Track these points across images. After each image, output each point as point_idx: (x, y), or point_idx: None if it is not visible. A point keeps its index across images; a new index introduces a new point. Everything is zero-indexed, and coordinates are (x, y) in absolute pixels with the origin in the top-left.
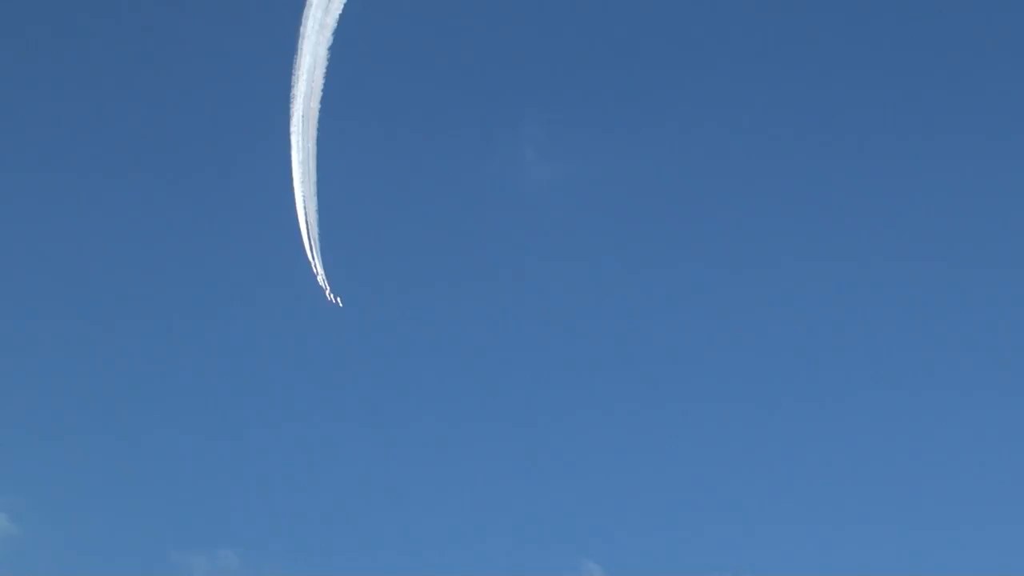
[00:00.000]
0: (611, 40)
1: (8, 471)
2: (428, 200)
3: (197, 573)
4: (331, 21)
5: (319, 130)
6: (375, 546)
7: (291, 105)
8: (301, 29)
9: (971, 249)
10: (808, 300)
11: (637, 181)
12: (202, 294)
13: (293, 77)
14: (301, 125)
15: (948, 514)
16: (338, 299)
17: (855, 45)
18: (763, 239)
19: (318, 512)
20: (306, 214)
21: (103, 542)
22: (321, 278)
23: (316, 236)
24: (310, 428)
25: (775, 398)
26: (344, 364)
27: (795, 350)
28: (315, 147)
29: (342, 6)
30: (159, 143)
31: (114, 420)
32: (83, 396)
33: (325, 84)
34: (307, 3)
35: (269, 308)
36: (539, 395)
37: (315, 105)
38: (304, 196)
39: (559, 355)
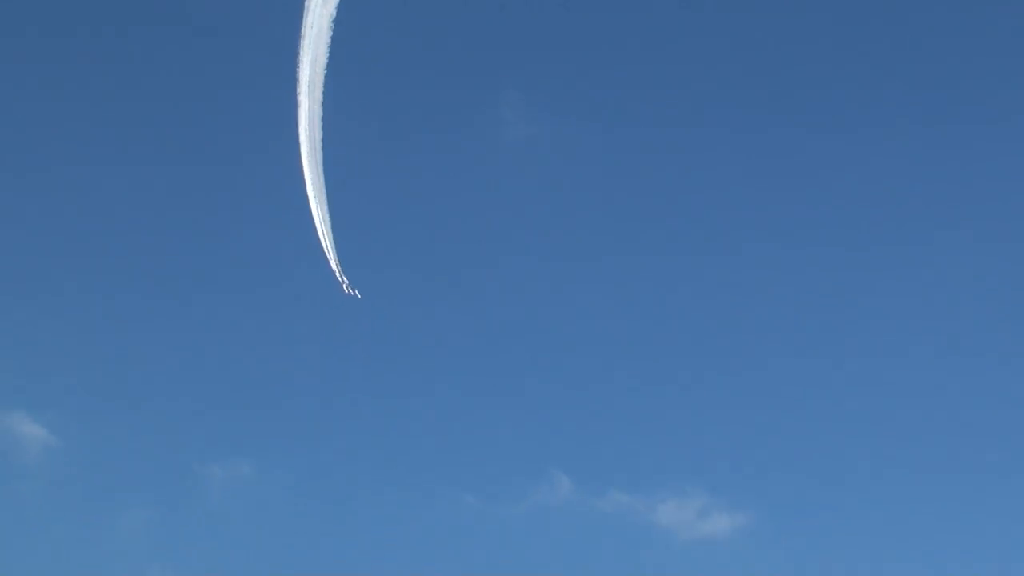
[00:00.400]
0: (588, 5)
1: (48, 389)
2: (410, 157)
3: (216, 482)
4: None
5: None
6: (371, 456)
7: (297, 70)
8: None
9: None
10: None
11: (611, 143)
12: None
13: (299, 46)
14: (308, 92)
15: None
16: (356, 291)
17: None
18: (735, 205)
19: (326, 429)
20: (321, 218)
21: (133, 454)
22: (339, 273)
23: (329, 231)
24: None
25: (743, 316)
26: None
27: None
28: (321, 130)
29: None
30: (163, 134)
31: (143, 344)
32: (115, 321)
33: (329, 53)
34: None
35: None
36: (512, 321)
37: (320, 71)
38: (314, 182)
39: (533, 295)
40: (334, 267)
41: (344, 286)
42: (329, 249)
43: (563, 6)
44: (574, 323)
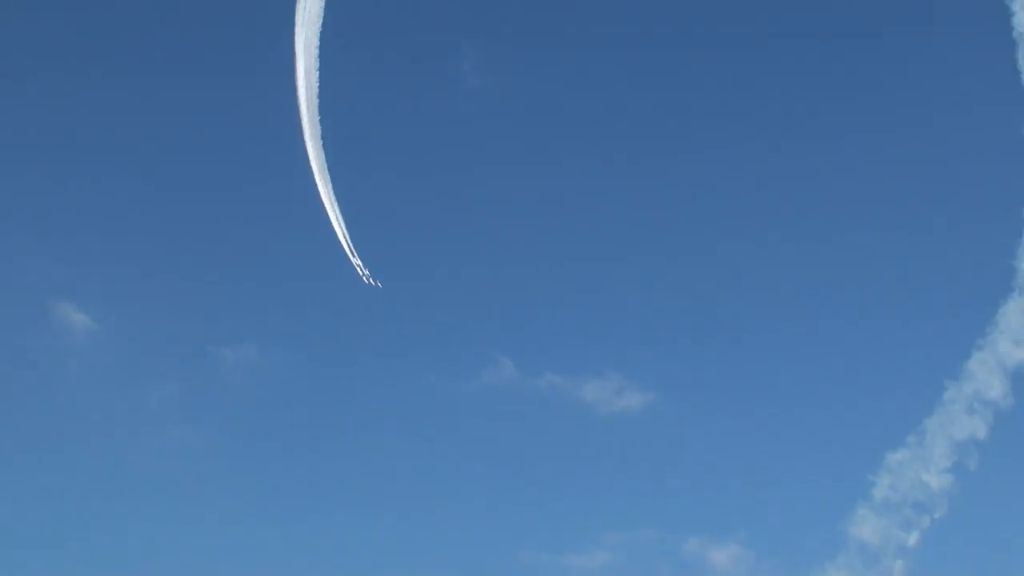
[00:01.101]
0: None
1: (90, 280)
2: (378, 104)
3: (227, 361)
4: None
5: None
6: (351, 339)
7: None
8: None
9: None
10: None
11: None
12: None
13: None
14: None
15: None
16: (377, 282)
17: None
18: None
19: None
20: (337, 217)
21: (159, 338)
22: (359, 266)
23: (345, 228)
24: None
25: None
26: None
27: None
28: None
29: None
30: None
31: (167, 241)
32: (146, 221)
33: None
34: None
35: None
36: (475, 227)
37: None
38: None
39: (489, 206)
40: (354, 261)
41: (365, 277)
42: (345, 242)
43: None
44: (519, 229)
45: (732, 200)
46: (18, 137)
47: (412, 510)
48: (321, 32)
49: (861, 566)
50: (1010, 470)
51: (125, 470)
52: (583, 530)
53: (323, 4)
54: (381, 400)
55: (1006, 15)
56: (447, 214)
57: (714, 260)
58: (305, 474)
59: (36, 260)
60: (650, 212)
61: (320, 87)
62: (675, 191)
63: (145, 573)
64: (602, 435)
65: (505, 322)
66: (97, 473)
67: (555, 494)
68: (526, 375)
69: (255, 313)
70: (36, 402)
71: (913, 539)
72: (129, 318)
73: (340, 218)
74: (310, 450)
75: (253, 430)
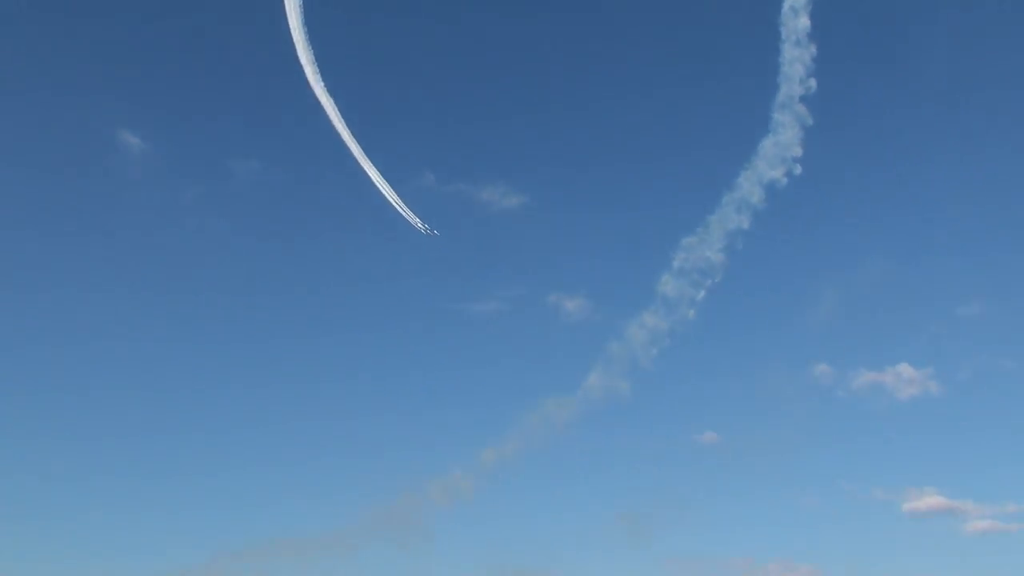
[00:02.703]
0: None
1: (143, 111)
2: None
3: (238, 172)
4: None
5: None
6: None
7: None
8: None
9: None
10: None
11: None
12: None
13: None
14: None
15: None
16: (434, 231)
17: None
18: None
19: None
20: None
21: (191, 157)
22: (413, 218)
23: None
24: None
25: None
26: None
27: None
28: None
29: None
30: None
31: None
32: (187, 66)
33: None
34: None
35: None
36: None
37: None
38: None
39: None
40: (407, 214)
41: (424, 229)
42: (391, 197)
43: None
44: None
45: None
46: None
47: (368, 275)
48: None
49: (665, 313)
50: (765, 251)
51: (164, 251)
52: (480, 286)
53: None
54: (352, 205)
55: None
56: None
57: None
58: (295, 259)
59: (101, 94)
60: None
61: None
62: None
63: (176, 319)
64: (494, 225)
65: (426, 141)
66: (146, 252)
67: (460, 261)
68: (441, 182)
69: (260, 137)
70: (104, 201)
71: (700, 295)
72: (169, 141)
73: (383, 181)
74: (300, 242)
75: (256, 226)
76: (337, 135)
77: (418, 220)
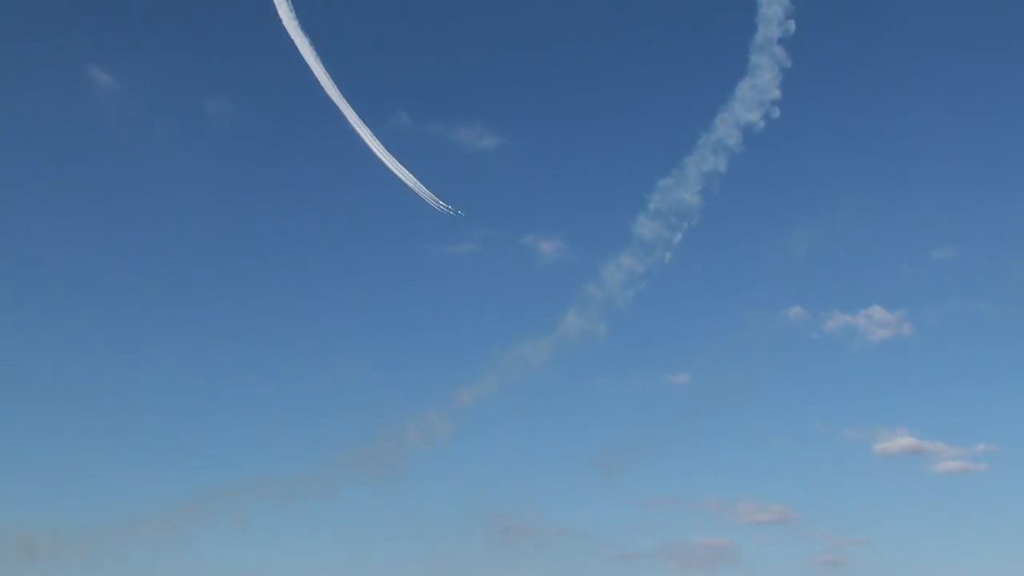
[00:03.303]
0: None
1: (113, 49)
2: None
3: (209, 110)
4: None
5: None
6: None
7: None
8: None
9: None
10: None
11: None
12: None
13: None
14: None
15: None
16: (459, 211)
17: None
18: None
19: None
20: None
21: (161, 93)
22: (438, 201)
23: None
24: None
25: None
26: None
27: None
28: None
29: None
30: None
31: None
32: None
33: None
34: None
35: None
36: None
37: None
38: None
39: None
40: (431, 198)
41: (449, 211)
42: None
43: None
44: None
45: None
46: None
47: (342, 216)
48: None
49: (642, 255)
50: (741, 195)
51: (138, 189)
52: (455, 228)
53: None
54: (326, 145)
55: None
56: None
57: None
58: (269, 201)
59: (71, 31)
60: None
61: None
62: None
63: (151, 261)
64: (469, 166)
65: (401, 81)
66: (120, 185)
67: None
68: (417, 123)
69: (233, 75)
70: (74, 139)
71: (677, 238)
72: (141, 79)
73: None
74: (274, 183)
75: (230, 166)
76: (311, 74)
77: (414, 179)
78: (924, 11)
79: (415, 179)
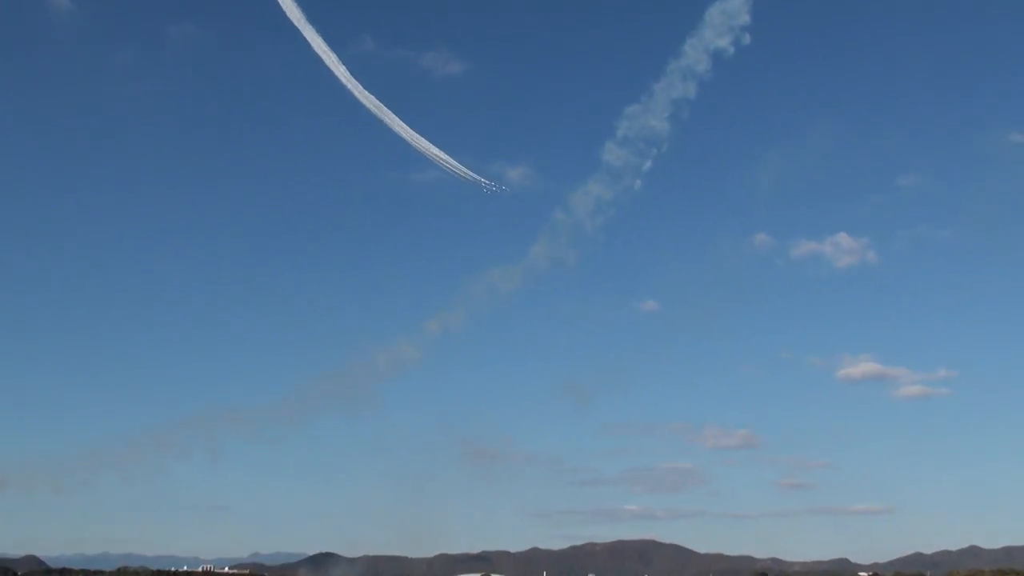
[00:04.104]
0: None
1: None
2: None
3: (171, 36)
4: None
5: None
6: None
7: None
8: None
9: None
10: None
11: None
12: None
13: None
14: None
15: None
16: (503, 187)
17: None
18: None
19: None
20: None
21: (121, 18)
22: (482, 180)
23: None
24: None
25: None
26: None
27: None
28: None
29: None
30: None
31: None
32: None
33: None
34: None
35: None
36: None
37: None
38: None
39: None
40: (476, 178)
41: (493, 188)
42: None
43: None
44: None
45: None
46: None
47: (306, 143)
48: None
49: (610, 182)
50: (711, 122)
51: (97, 112)
52: (421, 155)
53: None
54: (290, 71)
55: None
56: None
57: None
58: (231, 127)
59: None
60: None
61: None
62: None
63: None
64: (435, 92)
65: (366, 4)
66: (81, 111)
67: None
68: (382, 48)
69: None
70: (32, 64)
71: (647, 165)
72: (100, 2)
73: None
74: (236, 109)
75: (191, 91)
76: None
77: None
78: None
79: (447, 156)
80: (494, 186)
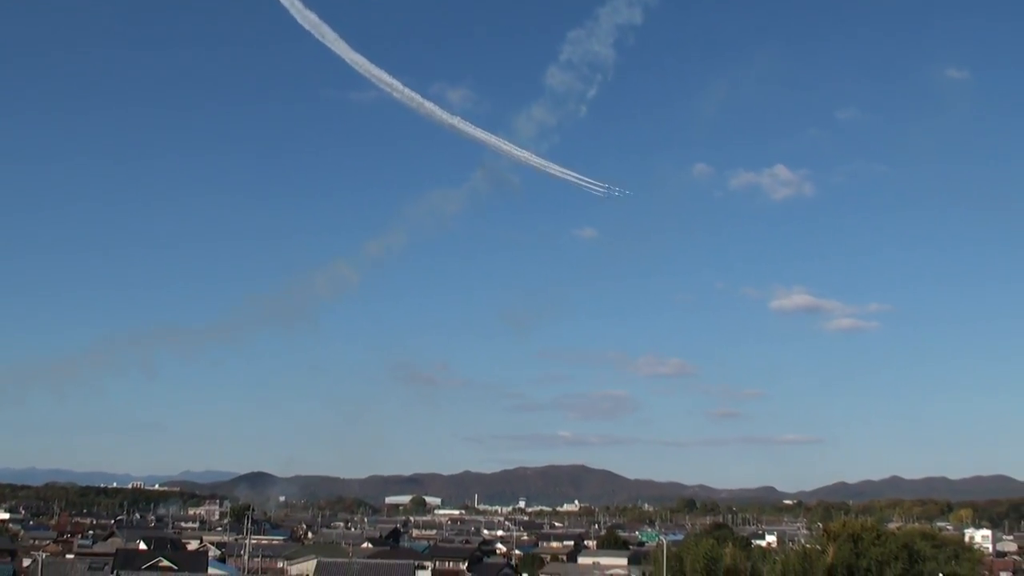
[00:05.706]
0: None
1: None
2: None
3: None
4: None
5: None
6: None
7: None
8: None
9: None
10: None
11: None
12: None
13: None
14: None
15: None
16: (626, 191)
17: None
18: None
19: None
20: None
21: None
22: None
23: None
24: None
25: None
26: None
27: None
28: None
29: None
30: None
31: None
32: None
33: None
34: None
35: None
36: None
37: None
38: None
39: None
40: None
41: (612, 191)
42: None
43: None
44: None
45: None
46: None
47: (243, 59)
48: None
49: (554, 107)
50: (656, 49)
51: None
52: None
53: None
54: None
55: None
56: None
57: None
58: (173, 39)
59: None
60: None
61: None
62: None
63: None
64: (373, 10)
65: None
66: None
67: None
68: None
69: None
70: None
71: (592, 92)
72: None
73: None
74: (178, 26)
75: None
76: None
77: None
78: None
79: (576, 174)
80: (616, 190)
